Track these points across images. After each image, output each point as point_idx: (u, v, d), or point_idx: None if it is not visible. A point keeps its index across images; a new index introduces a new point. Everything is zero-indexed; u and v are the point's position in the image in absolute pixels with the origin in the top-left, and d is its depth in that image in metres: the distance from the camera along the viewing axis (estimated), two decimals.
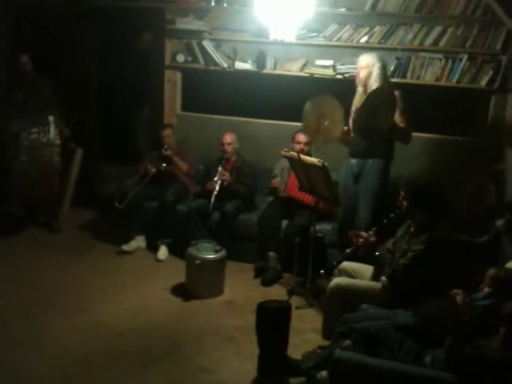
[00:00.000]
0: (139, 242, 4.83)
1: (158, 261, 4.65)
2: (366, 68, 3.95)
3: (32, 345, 3.33)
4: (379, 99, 3.82)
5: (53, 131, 4.94)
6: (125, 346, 3.38)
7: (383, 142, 3.97)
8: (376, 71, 3.93)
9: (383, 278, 3.23)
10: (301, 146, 4.52)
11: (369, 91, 3.93)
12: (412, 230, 3.25)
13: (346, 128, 4.02)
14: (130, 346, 3.38)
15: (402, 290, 3.09)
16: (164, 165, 4.90)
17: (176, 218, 4.68)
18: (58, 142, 5.01)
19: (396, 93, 3.88)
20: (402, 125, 3.91)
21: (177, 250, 4.62)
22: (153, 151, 5.10)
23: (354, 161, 4.08)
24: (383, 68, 3.98)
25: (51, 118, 4.90)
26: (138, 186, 4.85)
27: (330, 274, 3.55)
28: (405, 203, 3.23)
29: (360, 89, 4.04)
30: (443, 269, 3.05)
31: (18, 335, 3.41)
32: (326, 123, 4.01)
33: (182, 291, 4.08)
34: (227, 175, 4.74)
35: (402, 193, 3.26)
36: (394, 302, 3.05)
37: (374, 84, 3.92)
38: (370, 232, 3.36)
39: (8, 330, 3.46)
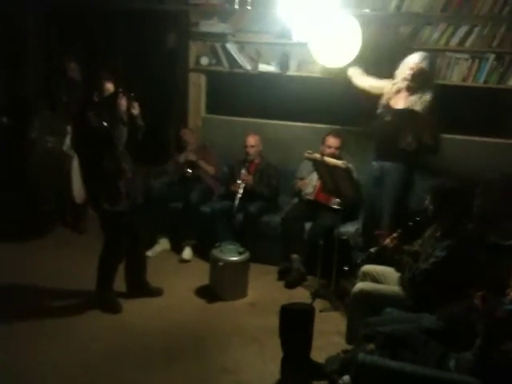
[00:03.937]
0: (163, 245, 4.88)
1: (183, 261, 4.68)
2: (416, 69, 3.83)
3: (57, 340, 3.40)
4: (410, 123, 3.72)
5: (68, 142, 4.93)
6: (148, 345, 3.42)
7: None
8: (425, 77, 3.82)
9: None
10: (332, 150, 4.44)
11: (411, 97, 3.83)
12: (438, 234, 3.19)
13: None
14: (154, 345, 3.42)
15: (422, 294, 3.05)
16: (189, 170, 4.93)
17: (200, 219, 4.71)
18: (73, 153, 5.00)
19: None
20: (429, 142, 3.77)
21: (201, 251, 4.65)
22: (177, 153, 5.12)
23: (376, 164, 4.02)
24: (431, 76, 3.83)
25: (69, 129, 4.81)
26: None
27: (353, 272, 3.52)
28: (431, 207, 3.17)
29: (402, 85, 3.90)
30: (468, 271, 3.00)
31: (43, 331, 3.49)
32: None
33: (206, 292, 4.11)
34: (250, 178, 4.74)
35: (428, 197, 3.20)
36: (418, 305, 3.02)
37: (416, 96, 3.80)
38: (395, 234, 3.31)
39: (34, 326, 3.54)
